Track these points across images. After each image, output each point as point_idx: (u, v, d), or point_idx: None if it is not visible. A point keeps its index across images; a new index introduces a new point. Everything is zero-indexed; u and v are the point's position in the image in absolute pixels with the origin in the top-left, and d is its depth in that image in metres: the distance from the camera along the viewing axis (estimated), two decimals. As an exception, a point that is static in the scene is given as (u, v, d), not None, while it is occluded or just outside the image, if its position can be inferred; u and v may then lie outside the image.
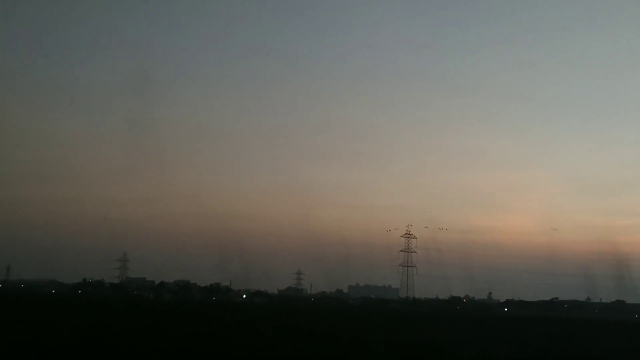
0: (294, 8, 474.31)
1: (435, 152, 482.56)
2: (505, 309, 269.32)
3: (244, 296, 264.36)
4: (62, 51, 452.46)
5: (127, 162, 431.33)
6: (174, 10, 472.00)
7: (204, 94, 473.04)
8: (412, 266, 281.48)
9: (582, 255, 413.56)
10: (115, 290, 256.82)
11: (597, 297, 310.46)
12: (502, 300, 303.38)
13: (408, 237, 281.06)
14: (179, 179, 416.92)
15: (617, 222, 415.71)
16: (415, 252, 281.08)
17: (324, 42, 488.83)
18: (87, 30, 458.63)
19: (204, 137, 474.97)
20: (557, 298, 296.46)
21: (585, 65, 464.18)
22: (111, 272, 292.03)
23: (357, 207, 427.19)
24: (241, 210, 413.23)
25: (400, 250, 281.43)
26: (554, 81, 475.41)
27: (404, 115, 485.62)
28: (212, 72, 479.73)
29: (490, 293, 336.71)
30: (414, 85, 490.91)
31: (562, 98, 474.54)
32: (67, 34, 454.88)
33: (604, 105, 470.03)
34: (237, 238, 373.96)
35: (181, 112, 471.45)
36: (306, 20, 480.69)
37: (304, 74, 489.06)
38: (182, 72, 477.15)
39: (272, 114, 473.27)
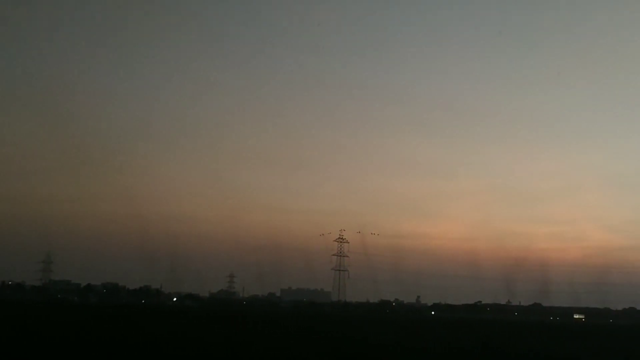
0: (237, 13, 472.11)
1: (369, 159, 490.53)
2: (433, 312, 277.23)
3: (175, 299, 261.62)
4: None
5: (53, 160, 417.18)
6: (94, 10, 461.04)
7: (137, 94, 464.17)
8: (344, 270, 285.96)
9: (504, 261, 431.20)
10: (37, 293, 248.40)
11: (517, 300, 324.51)
12: (430, 304, 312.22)
13: (341, 242, 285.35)
14: (108, 180, 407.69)
15: (537, 230, 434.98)
16: (348, 257, 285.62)
17: (266, 47, 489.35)
18: (13, 26, 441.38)
19: (136, 138, 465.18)
20: (480, 301, 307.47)
21: (515, 80, 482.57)
22: (33, 275, 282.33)
23: (291, 211, 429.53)
24: (174, 212, 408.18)
25: (333, 255, 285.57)
26: (484, 94, 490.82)
27: (339, 121, 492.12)
28: (149, 72, 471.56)
29: (418, 297, 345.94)
30: (349, 93, 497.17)
31: (492, 111, 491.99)
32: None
33: (529, 119, 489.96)
34: (169, 240, 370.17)
35: (112, 112, 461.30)
36: (249, 24, 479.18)
37: (243, 77, 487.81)
38: (118, 72, 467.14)
39: (208, 115, 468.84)
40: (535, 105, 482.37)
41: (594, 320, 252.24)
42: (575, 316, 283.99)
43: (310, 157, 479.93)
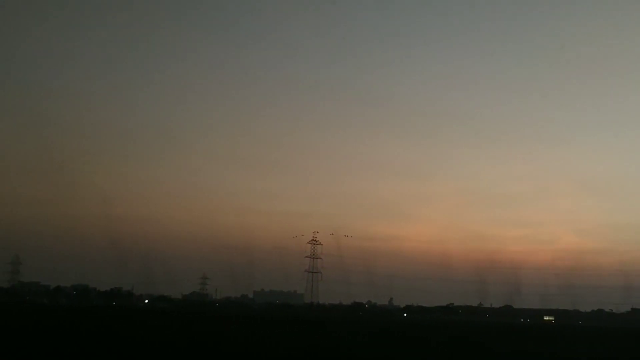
0: (212, 15, 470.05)
1: (342, 161, 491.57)
2: (405, 315, 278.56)
3: (146, 301, 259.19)
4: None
5: (22, 161, 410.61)
6: (67, 9, 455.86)
7: (109, 95, 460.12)
8: (318, 272, 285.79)
9: (476, 263, 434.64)
10: (5, 295, 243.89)
11: (488, 302, 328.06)
12: (403, 305, 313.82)
13: (314, 244, 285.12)
14: (78, 181, 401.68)
15: (508, 233, 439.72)
16: (321, 259, 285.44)
17: (241, 50, 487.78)
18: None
19: (107, 139, 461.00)
20: (452, 303, 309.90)
21: (487, 84, 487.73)
22: (1, 276, 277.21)
23: (264, 213, 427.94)
24: (146, 214, 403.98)
25: (306, 257, 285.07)
26: (457, 97, 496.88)
27: (313, 123, 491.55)
28: (122, 73, 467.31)
29: (391, 299, 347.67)
30: (323, 95, 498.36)
31: (465, 114, 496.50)
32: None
33: (502, 123, 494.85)
34: (141, 241, 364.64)
35: (84, 113, 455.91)
36: (224, 26, 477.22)
37: (217, 79, 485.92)
38: (91, 73, 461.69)
39: (181, 117, 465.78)
40: (507, 109, 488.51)
41: (564, 322, 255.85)
42: (545, 318, 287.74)
43: (283, 159, 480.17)
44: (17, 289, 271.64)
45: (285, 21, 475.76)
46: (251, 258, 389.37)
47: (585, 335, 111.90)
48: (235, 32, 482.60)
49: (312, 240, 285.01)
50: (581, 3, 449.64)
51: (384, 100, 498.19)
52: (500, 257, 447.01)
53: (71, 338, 52.48)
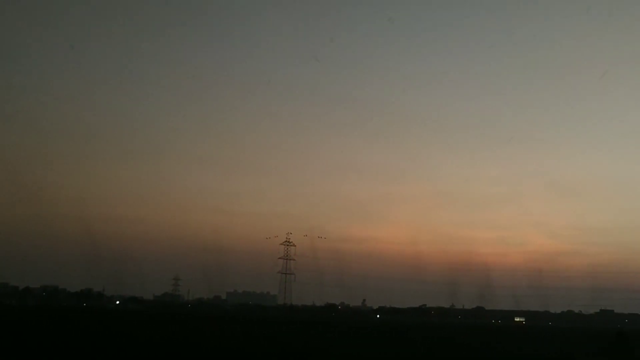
0: (183, 14, 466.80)
1: (317, 162, 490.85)
2: (378, 316, 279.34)
3: (117, 302, 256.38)
4: None
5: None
6: (31, 6, 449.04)
7: (81, 94, 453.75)
8: (291, 273, 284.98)
9: (448, 265, 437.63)
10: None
11: (460, 304, 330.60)
12: (375, 307, 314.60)
13: (287, 245, 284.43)
14: (48, 180, 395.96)
15: (480, 235, 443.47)
16: (294, 260, 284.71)
17: (212, 50, 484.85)
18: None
19: (78, 138, 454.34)
20: (425, 305, 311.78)
21: (461, 86, 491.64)
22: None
23: (238, 214, 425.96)
24: (117, 214, 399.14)
25: (280, 258, 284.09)
26: (431, 99, 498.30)
27: (286, 124, 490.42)
28: (93, 72, 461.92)
29: (364, 300, 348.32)
30: (296, 95, 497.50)
31: (438, 116, 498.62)
32: None
33: (474, 125, 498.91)
34: (112, 242, 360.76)
35: (55, 112, 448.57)
36: (195, 25, 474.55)
37: (188, 79, 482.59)
38: (61, 71, 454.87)
39: (153, 117, 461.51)
40: (480, 111, 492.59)
41: (534, 323, 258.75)
42: (515, 319, 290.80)
43: (257, 159, 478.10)
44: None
45: (252, 21, 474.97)
46: (224, 259, 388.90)
47: (547, 335, 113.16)
48: (207, 33, 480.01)
49: (286, 241, 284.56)
50: (551, 3, 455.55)
51: (357, 102, 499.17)
52: (472, 258, 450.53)
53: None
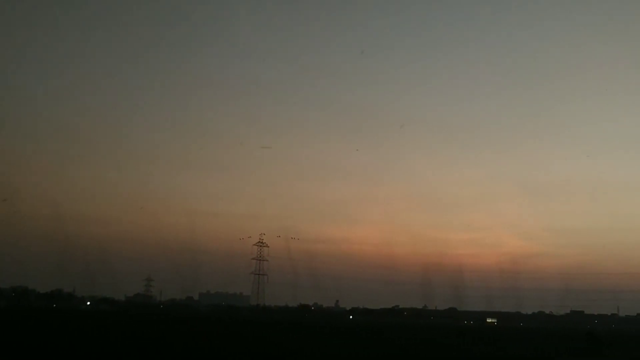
0: (154, 13, 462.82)
1: (290, 163, 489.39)
2: (351, 317, 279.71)
3: (88, 303, 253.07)
4: None
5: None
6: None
7: (51, 92, 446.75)
8: (264, 274, 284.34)
9: (421, 266, 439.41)
10: None
11: (433, 304, 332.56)
12: (348, 308, 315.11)
13: (261, 246, 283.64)
14: (17, 179, 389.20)
15: (453, 236, 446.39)
16: (267, 261, 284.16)
17: (185, 48, 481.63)
18: None
19: (48, 137, 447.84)
20: (398, 306, 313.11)
21: (435, 88, 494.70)
22: None
23: (211, 214, 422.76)
24: (89, 214, 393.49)
25: (253, 259, 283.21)
26: (405, 102, 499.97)
27: (261, 125, 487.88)
28: (62, 70, 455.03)
29: (337, 301, 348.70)
30: (270, 96, 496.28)
31: (412, 118, 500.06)
32: None
33: (449, 127, 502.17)
34: (83, 242, 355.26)
35: (23, 110, 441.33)
36: (166, 24, 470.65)
37: (162, 78, 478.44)
38: (29, 69, 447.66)
39: (125, 116, 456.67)
40: (454, 114, 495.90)
41: (506, 324, 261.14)
42: (488, 320, 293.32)
43: (230, 160, 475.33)
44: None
45: (236, 23, 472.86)
46: (197, 260, 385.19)
47: (520, 336, 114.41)
48: (184, 33, 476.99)
49: (259, 242, 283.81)
50: (531, 6, 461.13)
51: (332, 103, 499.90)
52: (445, 260, 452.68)
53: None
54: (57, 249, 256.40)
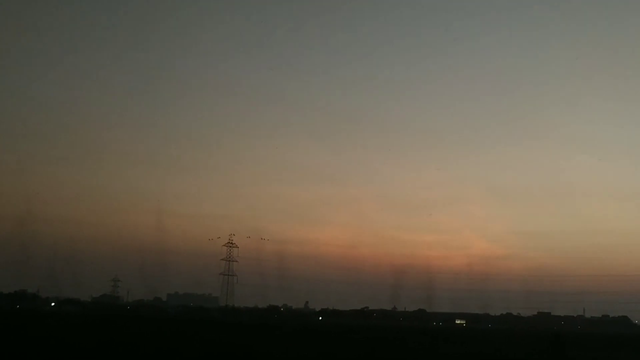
0: (125, 10, 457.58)
1: (260, 164, 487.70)
2: (320, 318, 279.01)
3: (53, 304, 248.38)
4: None
5: None
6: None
7: (15, 91, 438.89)
8: (233, 275, 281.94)
9: (391, 267, 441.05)
10: None
11: (402, 306, 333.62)
12: (318, 309, 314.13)
13: (230, 246, 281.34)
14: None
15: (421, 238, 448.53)
16: (237, 261, 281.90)
17: (154, 48, 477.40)
18: None
19: (13, 135, 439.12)
20: (367, 307, 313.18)
21: (401, 90, 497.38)
22: None
23: (180, 215, 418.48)
24: (54, 213, 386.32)
25: (222, 259, 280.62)
26: (373, 103, 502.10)
27: (229, 124, 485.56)
28: (30, 68, 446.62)
29: (307, 302, 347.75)
30: (237, 96, 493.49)
31: (379, 119, 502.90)
32: None
33: (417, 130, 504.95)
34: (48, 242, 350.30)
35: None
36: (135, 22, 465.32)
37: (129, 77, 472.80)
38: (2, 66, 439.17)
39: (92, 115, 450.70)
40: (423, 117, 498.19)
41: (474, 325, 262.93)
42: (457, 321, 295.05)
43: (199, 160, 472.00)
44: None
45: (195, 19, 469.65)
46: (165, 260, 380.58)
47: (488, 337, 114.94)
48: (148, 29, 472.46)
49: (228, 242, 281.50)
50: (503, 11, 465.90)
51: (301, 104, 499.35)
52: (414, 261, 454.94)
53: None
54: (21, 249, 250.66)
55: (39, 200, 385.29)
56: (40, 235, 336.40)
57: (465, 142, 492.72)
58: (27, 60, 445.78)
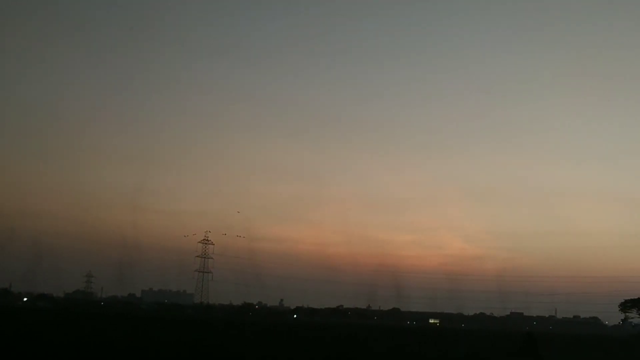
0: (101, 6, 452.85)
1: (237, 161, 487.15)
2: (295, 316, 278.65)
3: (25, 299, 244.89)
4: None
5: None
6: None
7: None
8: (208, 272, 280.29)
9: (366, 266, 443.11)
10: None
11: (377, 305, 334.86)
12: (293, 307, 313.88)
13: (205, 243, 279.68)
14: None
15: (398, 237, 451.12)
16: (212, 259, 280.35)
17: (131, 44, 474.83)
18: None
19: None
20: (342, 306, 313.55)
21: (382, 91, 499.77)
22: None
23: (155, 211, 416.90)
24: (27, 208, 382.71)
25: (197, 256, 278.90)
26: (352, 103, 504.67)
27: (207, 122, 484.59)
28: (4, 63, 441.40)
29: (281, 300, 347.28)
30: (218, 93, 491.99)
31: (359, 119, 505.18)
32: None
33: (395, 130, 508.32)
34: (21, 237, 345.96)
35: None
36: (112, 19, 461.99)
37: (105, 73, 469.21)
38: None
39: (69, 111, 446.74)
40: (401, 117, 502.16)
41: (448, 325, 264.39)
42: (430, 321, 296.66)
43: (176, 157, 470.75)
44: None
45: (175, 18, 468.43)
46: (140, 256, 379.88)
47: (462, 336, 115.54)
48: (123, 27, 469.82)
49: (204, 239, 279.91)
50: (477, 13, 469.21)
51: (281, 103, 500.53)
52: (390, 261, 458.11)
53: None
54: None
55: (14, 195, 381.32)
56: (14, 230, 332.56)
57: (443, 143, 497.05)
58: (5, 58, 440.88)
